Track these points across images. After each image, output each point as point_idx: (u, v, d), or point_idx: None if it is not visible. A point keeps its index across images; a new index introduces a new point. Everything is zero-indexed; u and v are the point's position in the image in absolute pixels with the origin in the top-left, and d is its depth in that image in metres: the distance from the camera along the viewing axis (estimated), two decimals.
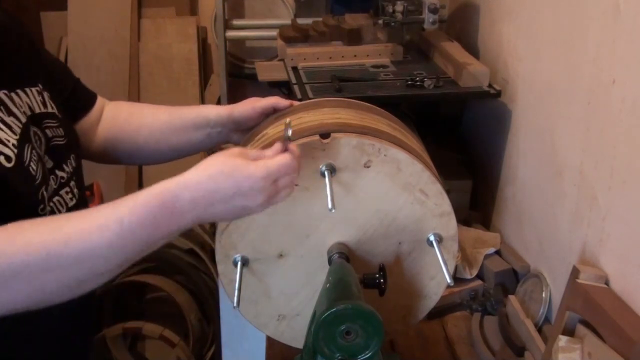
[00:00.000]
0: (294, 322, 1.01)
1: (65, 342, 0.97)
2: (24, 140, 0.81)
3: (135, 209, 0.71)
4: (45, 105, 0.89)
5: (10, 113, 0.81)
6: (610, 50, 1.02)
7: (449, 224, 0.96)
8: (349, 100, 1.08)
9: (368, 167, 0.91)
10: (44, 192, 0.82)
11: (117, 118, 1.08)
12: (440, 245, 0.95)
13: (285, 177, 0.77)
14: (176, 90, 2.38)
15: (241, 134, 1.08)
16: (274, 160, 0.76)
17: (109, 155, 1.09)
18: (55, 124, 0.90)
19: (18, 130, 0.81)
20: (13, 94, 0.84)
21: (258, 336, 1.10)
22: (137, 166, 2.35)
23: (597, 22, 1.06)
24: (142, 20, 2.38)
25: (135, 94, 2.37)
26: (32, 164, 0.81)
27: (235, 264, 0.94)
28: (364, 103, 1.08)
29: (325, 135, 0.89)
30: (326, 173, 0.88)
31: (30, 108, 0.86)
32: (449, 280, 0.91)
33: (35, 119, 0.86)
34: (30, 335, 0.88)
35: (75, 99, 1.03)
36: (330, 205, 0.82)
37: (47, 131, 0.88)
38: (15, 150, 0.78)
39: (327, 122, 0.96)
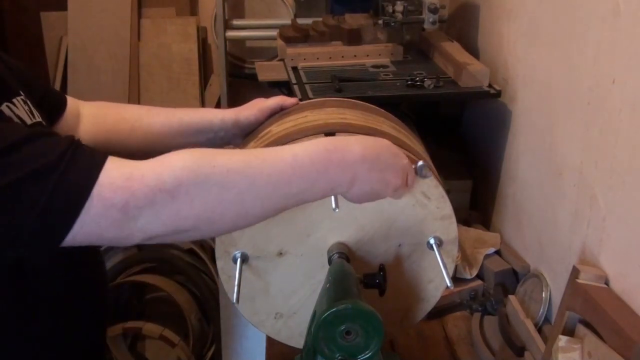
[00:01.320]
0: (291, 321, 1.01)
1: (83, 332, 0.96)
2: None
3: (308, 147, 0.75)
4: (33, 115, 0.85)
5: None
6: (610, 50, 1.02)
7: (450, 228, 0.96)
8: (354, 101, 1.08)
9: None
10: None
11: (105, 120, 1.03)
12: (440, 248, 0.95)
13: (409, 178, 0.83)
14: (176, 90, 2.38)
15: (244, 136, 1.07)
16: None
17: None
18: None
19: None
20: (11, 105, 0.80)
21: (258, 336, 1.10)
22: None
23: (597, 22, 1.06)
24: (142, 20, 2.38)
25: (135, 94, 2.37)
26: None
27: (235, 261, 0.94)
28: (369, 104, 1.08)
29: (330, 134, 0.90)
30: None
31: (22, 120, 0.81)
32: (449, 284, 0.91)
33: None
34: (49, 325, 0.87)
35: (48, 102, 0.97)
36: (334, 205, 0.82)
37: None
38: None
39: (332, 122, 0.96)
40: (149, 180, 0.67)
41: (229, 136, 1.06)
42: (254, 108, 1.05)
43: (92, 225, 0.65)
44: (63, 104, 1.01)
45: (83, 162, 0.67)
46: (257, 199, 0.71)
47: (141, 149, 1.03)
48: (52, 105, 0.98)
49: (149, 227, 0.68)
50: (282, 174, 0.72)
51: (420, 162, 0.86)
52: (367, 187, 0.78)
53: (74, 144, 0.68)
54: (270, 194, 0.72)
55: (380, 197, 0.81)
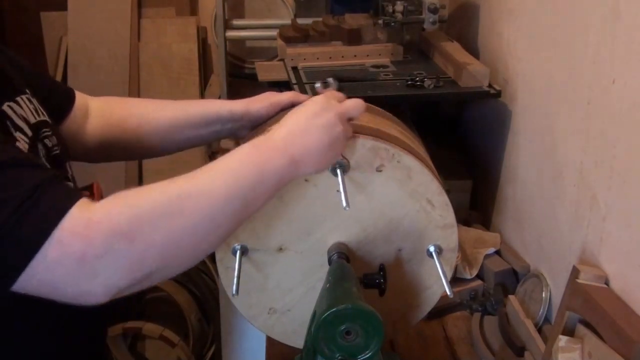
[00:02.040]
0: (285, 317, 1.01)
1: (84, 330, 0.95)
2: (34, 155, 0.77)
3: (238, 153, 0.76)
4: (38, 113, 0.83)
5: (17, 128, 0.76)
6: (610, 50, 1.02)
7: (451, 237, 0.96)
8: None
9: (380, 171, 0.91)
10: None
11: (112, 115, 1.02)
12: (440, 256, 0.96)
13: (353, 110, 0.84)
14: (176, 90, 2.38)
15: (252, 128, 1.04)
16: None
17: (104, 154, 1.03)
18: (50, 133, 0.85)
19: (26, 147, 0.76)
20: (14, 104, 0.79)
21: (258, 336, 1.10)
22: (137, 165, 2.36)
23: (597, 22, 1.06)
24: (142, 20, 2.38)
25: (135, 94, 2.37)
26: None
27: (234, 253, 0.94)
28: (377, 107, 1.08)
29: None
30: (339, 171, 0.88)
31: (25, 119, 0.80)
32: (449, 293, 0.91)
33: (32, 131, 0.81)
34: (49, 323, 0.87)
35: (55, 99, 0.96)
36: (344, 204, 0.82)
37: (46, 141, 0.83)
38: None
39: None
40: (105, 226, 0.64)
41: (237, 127, 1.03)
42: (266, 101, 1.02)
43: (46, 272, 0.62)
44: (71, 100, 0.99)
45: (51, 201, 0.64)
46: (213, 216, 0.71)
47: (151, 144, 1.02)
48: (60, 101, 0.97)
49: (112, 280, 0.65)
50: (227, 185, 0.72)
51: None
52: (318, 145, 0.79)
53: (49, 179, 0.66)
54: (225, 205, 0.71)
55: (337, 150, 0.82)
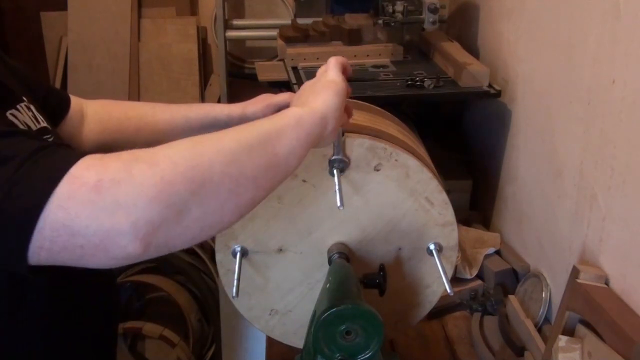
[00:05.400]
0: (286, 318, 1.01)
1: (94, 326, 0.95)
2: None
3: (256, 122, 0.71)
4: (37, 121, 0.81)
5: None
6: (610, 50, 1.02)
7: (451, 235, 0.96)
8: (361, 102, 1.08)
9: (378, 170, 0.91)
10: None
11: (109, 119, 1.01)
12: (440, 254, 0.96)
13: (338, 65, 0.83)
14: (176, 90, 2.38)
15: None
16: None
17: None
18: (51, 139, 0.83)
19: None
20: (16, 112, 0.77)
21: (258, 336, 1.10)
22: None
23: (597, 22, 1.06)
24: (142, 20, 2.38)
25: (135, 94, 2.37)
26: None
27: (234, 254, 0.94)
28: (372, 105, 1.08)
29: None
30: (335, 171, 0.88)
31: (28, 127, 0.78)
32: (449, 291, 0.91)
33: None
34: (59, 321, 0.87)
35: (50, 103, 0.94)
36: (339, 203, 0.82)
37: None
38: None
39: None
40: (123, 155, 0.59)
41: None
42: (262, 103, 1.02)
43: (59, 211, 0.54)
44: (67, 105, 0.99)
45: (62, 153, 0.59)
46: (243, 157, 0.64)
47: (147, 146, 0.99)
48: (55, 106, 0.96)
49: (137, 210, 0.55)
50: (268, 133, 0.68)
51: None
52: (328, 101, 0.76)
53: (56, 144, 0.63)
54: (251, 147, 0.65)
55: (339, 96, 0.78)
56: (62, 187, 0.55)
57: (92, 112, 1.02)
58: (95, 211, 0.55)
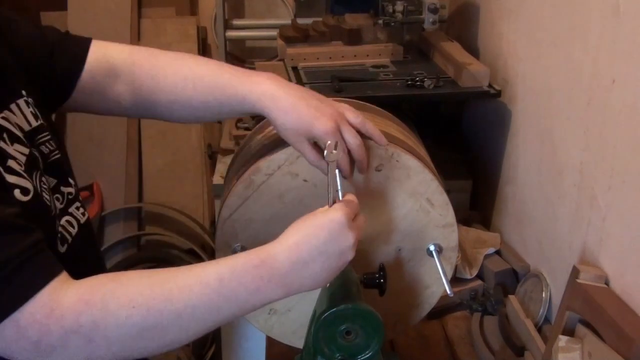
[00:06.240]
0: (284, 318, 1.01)
1: None
2: (31, 167, 0.74)
3: (235, 266, 0.71)
4: (35, 117, 0.79)
5: (14, 139, 0.73)
6: (610, 50, 1.02)
7: (451, 236, 0.96)
8: (361, 102, 1.08)
9: (379, 170, 0.91)
10: (57, 221, 0.78)
11: (141, 87, 0.91)
12: (440, 255, 0.95)
13: (359, 215, 0.79)
14: None
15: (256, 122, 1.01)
16: (344, 200, 0.79)
17: (139, 115, 0.98)
18: (48, 137, 0.81)
19: (23, 159, 0.73)
20: (9, 113, 0.74)
21: (258, 336, 1.10)
22: (137, 166, 2.35)
23: (597, 22, 1.06)
24: (142, 20, 2.38)
25: None
26: (44, 193, 0.74)
27: (235, 253, 0.94)
28: (376, 107, 1.08)
29: None
30: (337, 172, 0.88)
31: (20, 127, 0.75)
32: (449, 292, 0.91)
33: (28, 138, 0.76)
34: None
35: (59, 68, 0.87)
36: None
37: (42, 148, 0.80)
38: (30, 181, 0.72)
39: None
40: (66, 322, 0.65)
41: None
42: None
43: (3, 345, 0.64)
44: (78, 66, 0.89)
45: (24, 277, 0.64)
46: (181, 331, 0.69)
47: (181, 116, 0.95)
48: (65, 70, 0.88)
49: None
50: (210, 303, 0.69)
51: None
52: (323, 273, 0.75)
53: (30, 248, 0.65)
54: (197, 324, 0.70)
55: (337, 270, 0.76)
56: (9, 330, 0.64)
57: (126, 73, 0.92)
58: (33, 357, 0.65)
